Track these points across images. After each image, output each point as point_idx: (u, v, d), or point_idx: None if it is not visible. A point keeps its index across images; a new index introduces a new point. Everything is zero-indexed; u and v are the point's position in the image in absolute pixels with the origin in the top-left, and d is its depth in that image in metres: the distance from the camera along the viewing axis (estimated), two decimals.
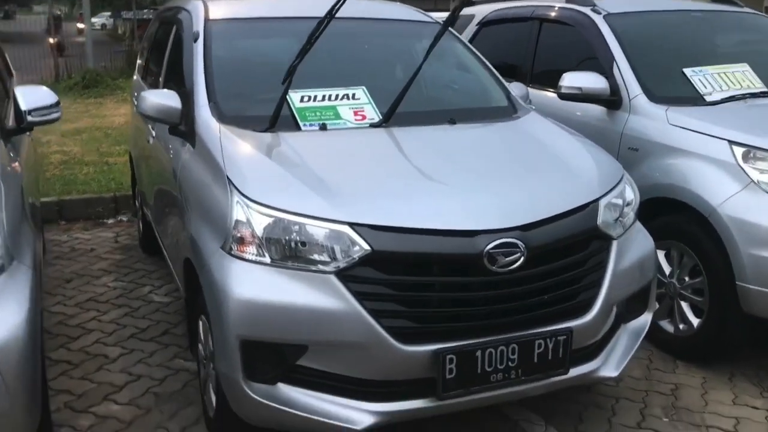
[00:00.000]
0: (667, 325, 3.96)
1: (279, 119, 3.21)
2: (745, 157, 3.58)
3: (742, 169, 3.55)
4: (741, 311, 3.57)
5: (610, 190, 3.01)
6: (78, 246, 5.66)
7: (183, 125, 3.37)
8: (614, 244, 2.94)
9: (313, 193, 2.68)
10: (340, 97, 3.42)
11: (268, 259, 2.57)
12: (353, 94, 3.44)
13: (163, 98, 3.41)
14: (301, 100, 3.35)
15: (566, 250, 2.80)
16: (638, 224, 3.22)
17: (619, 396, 3.51)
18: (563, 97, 4.39)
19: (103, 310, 4.42)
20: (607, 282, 2.86)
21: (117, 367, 3.72)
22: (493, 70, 4.06)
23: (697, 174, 3.72)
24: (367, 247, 2.53)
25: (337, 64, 3.77)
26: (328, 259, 2.54)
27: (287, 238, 2.56)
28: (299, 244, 2.56)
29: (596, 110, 4.45)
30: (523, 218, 2.69)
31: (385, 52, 4.05)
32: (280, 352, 2.57)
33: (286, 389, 2.61)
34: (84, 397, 3.43)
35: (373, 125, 3.33)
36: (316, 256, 2.54)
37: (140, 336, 4.07)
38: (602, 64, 4.48)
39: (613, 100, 4.33)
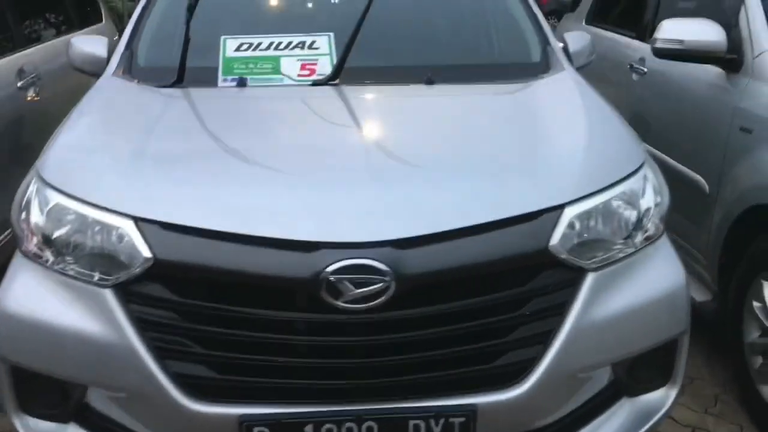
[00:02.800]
0: (766, 392, 2.68)
1: (198, 71, 2.51)
2: None
3: None
4: None
5: (590, 195, 1.91)
6: None
7: None
8: (588, 278, 1.86)
9: (113, 173, 1.94)
10: (292, 45, 2.62)
11: (49, 261, 1.89)
12: (312, 43, 2.62)
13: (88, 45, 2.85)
14: (237, 49, 2.60)
15: (482, 284, 1.79)
16: (663, 245, 2.07)
17: None
18: (659, 53, 3.15)
19: None
20: (562, 337, 1.81)
21: None
22: (536, 12, 2.95)
23: None
24: (148, 254, 1.75)
25: (319, 5, 2.94)
26: (105, 268, 1.80)
27: (64, 231, 1.86)
28: (76, 242, 1.84)
29: (709, 74, 3.14)
30: (402, 230, 1.73)
31: None
32: (61, 384, 1.90)
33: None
34: None
35: (316, 83, 2.50)
36: (92, 261, 1.81)
37: None
38: (725, 9, 3.14)
39: (731, 60, 3.00)
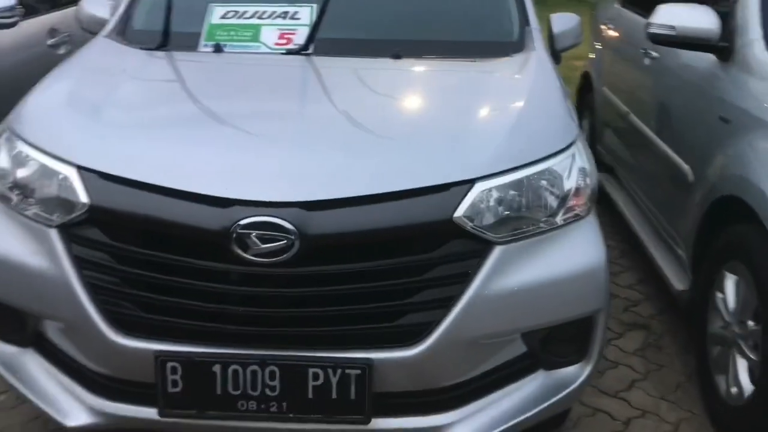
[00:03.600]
0: (721, 383, 2.69)
1: (184, 36, 2.69)
2: None
3: None
4: None
5: (506, 171, 1.98)
6: None
7: None
8: (495, 251, 1.94)
9: (68, 125, 2.13)
10: (276, 14, 2.75)
11: (13, 201, 2.10)
12: (295, 13, 2.74)
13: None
14: (223, 16, 2.76)
15: (385, 248, 1.90)
16: (587, 224, 2.12)
17: None
18: (653, 39, 3.13)
19: None
20: (462, 304, 1.90)
21: None
22: None
23: None
24: (86, 199, 1.93)
25: None
26: (52, 209, 2.00)
27: (24, 175, 2.07)
28: (33, 186, 2.05)
29: (705, 62, 3.11)
30: (309, 193, 1.86)
31: None
32: (18, 314, 2.12)
33: (31, 357, 2.16)
34: None
35: (290, 52, 2.63)
36: (44, 204, 2.02)
37: None
38: None
39: (723, 48, 2.96)
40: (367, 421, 1.94)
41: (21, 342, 2.16)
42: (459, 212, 1.90)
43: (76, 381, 2.07)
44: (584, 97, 5.25)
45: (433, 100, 2.38)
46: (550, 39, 2.94)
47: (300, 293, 1.87)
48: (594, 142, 4.80)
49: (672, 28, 3.01)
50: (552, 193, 2.04)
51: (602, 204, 4.68)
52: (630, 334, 3.36)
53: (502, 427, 2.03)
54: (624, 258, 4.12)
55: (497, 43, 2.74)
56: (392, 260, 1.89)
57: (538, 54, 2.65)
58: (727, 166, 2.72)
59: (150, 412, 1.97)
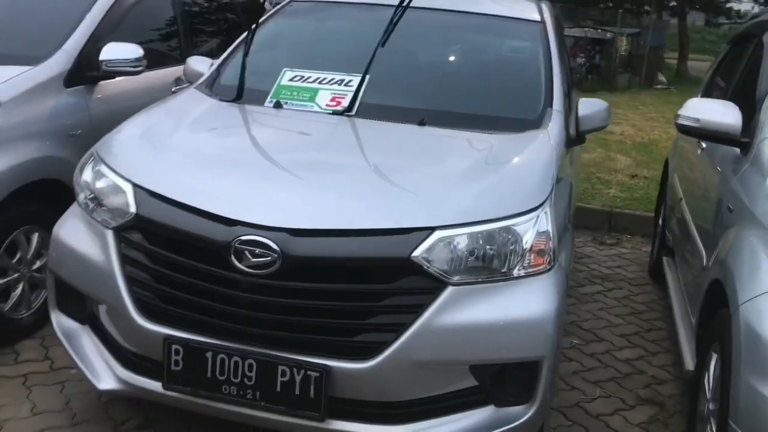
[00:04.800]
0: None
1: (257, 93, 3.24)
2: None
3: None
4: None
5: (466, 224, 2.33)
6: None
7: None
8: (447, 290, 2.28)
9: (136, 152, 2.71)
10: (333, 81, 3.27)
11: (89, 207, 2.69)
12: (349, 81, 3.24)
13: None
14: (291, 79, 3.31)
15: (353, 275, 2.29)
16: (545, 280, 2.41)
17: None
18: (680, 129, 3.36)
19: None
20: (411, 331, 2.25)
21: None
22: (556, 77, 3.31)
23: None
24: (133, 209, 2.48)
25: (380, 53, 3.54)
26: (112, 216, 2.56)
27: (98, 188, 2.65)
28: (103, 196, 2.62)
29: (732, 155, 3.29)
30: (294, 222, 2.30)
31: (447, 48, 3.63)
32: (81, 297, 2.68)
33: (85, 332, 2.71)
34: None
35: (336, 112, 3.12)
36: (109, 211, 2.58)
37: None
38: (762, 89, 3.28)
39: (745, 143, 3.15)
40: (323, 419, 2.31)
41: (81, 319, 2.72)
42: (417, 252, 2.27)
43: (112, 354, 2.59)
44: (663, 183, 5.38)
45: (430, 160, 2.77)
46: (576, 121, 3.25)
47: (277, 302, 2.30)
48: (664, 226, 4.94)
49: (697, 120, 3.23)
50: (509, 249, 2.36)
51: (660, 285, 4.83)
52: (641, 408, 3.49)
53: None
54: (668, 340, 4.23)
55: (516, 120, 3.09)
56: (356, 285, 2.29)
57: (547, 132, 2.98)
58: (720, 252, 2.88)
59: (157, 386, 2.44)
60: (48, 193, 3.49)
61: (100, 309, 2.64)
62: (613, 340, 4.25)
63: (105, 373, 2.58)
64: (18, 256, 3.44)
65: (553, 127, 3.03)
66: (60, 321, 2.75)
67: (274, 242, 2.26)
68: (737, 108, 3.18)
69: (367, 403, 2.34)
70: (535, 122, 3.07)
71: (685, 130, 3.31)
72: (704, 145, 3.88)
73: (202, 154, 2.75)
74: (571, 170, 3.64)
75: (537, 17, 3.65)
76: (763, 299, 2.35)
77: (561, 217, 2.78)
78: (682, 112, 3.31)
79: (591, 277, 5.29)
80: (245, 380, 2.33)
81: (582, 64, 17.97)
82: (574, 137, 3.26)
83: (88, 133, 3.64)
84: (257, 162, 2.68)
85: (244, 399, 2.35)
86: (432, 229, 2.30)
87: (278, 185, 2.50)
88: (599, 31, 18.91)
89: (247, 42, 3.32)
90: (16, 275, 3.45)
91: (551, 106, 3.16)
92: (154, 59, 4.29)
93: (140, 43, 4.03)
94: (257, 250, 2.27)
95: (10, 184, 3.32)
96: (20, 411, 2.98)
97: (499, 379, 2.38)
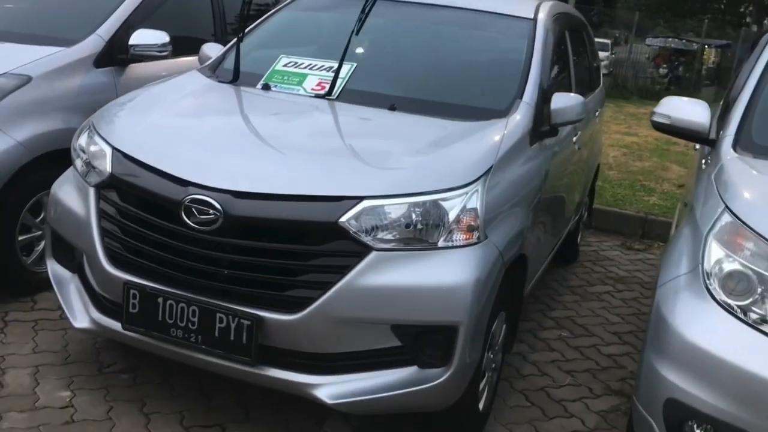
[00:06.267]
0: None
1: (253, 76, 3.53)
2: None
3: None
4: None
5: (394, 195, 2.53)
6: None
7: None
8: (371, 254, 2.49)
9: (121, 120, 3.03)
10: (322, 68, 3.51)
11: (80, 168, 3.02)
12: (338, 68, 3.48)
13: None
14: (285, 65, 3.58)
15: (286, 235, 2.53)
16: (468, 252, 2.58)
17: None
18: (654, 126, 3.42)
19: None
20: (335, 289, 2.47)
21: None
22: (534, 70, 3.44)
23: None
24: (109, 169, 2.80)
25: (373, 43, 3.77)
26: (96, 176, 2.88)
27: (89, 151, 2.98)
28: (91, 158, 2.96)
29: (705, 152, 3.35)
30: (239, 185, 2.56)
31: (433, 41, 3.81)
32: (71, 248, 3.03)
33: (73, 279, 3.05)
34: None
35: (318, 96, 3.37)
36: (96, 173, 2.91)
37: None
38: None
39: (713, 141, 3.21)
40: (253, 364, 2.55)
41: (71, 268, 3.07)
42: (344, 218, 2.48)
43: (90, 298, 2.91)
44: None
45: (382, 139, 2.97)
46: (548, 114, 3.37)
47: (218, 256, 2.56)
48: None
49: (668, 117, 3.30)
50: (435, 221, 2.54)
51: None
52: (606, 398, 3.57)
53: (360, 398, 2.53)
54: None
55: (483, 110, 3.24)
56: (288, 245, 2.52)
57: (507, 121, 3.12)
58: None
59: (118, 326, 2.75)
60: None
61: (84, 259, 2.98)
62: (604, 336, 4.32)
63: (81, 314, 2.91)
64: (42, 215, 3.84)
65: (516, 117, 3.17)
66: (54, 268, 3.11)
67: (217, 202, 2.53)
68: (707, 106, 3.23)
69: (296, 353, 2.57)
70: (501, 112, 3.21)
71: (658, 127, 3.37)
72: (697, 146, 3.92)
73: (176, 125, 3.05)
74: (560, 159, 3.74)
75: (529, 15, 3.78)
76: (673, 282, 2.44)
77: (514, 199, 2.94)
78: (656, 109, 3.37)
79: (604, 278, 5.34)
80: (189, 325, 2.60)
81: (664, 75, 17.58)
82: (547, 129, 3.38)
83: None
84: (221, 133, 2.96)
85: (188, 342, 2.62)
86: (360, 198, 2.51)
87: (230, 153, 2.77)
88: (684, 41, 18.44)
89: (242, 29, 3.61)
90: (38, 233, 3.85)
91: (521, 98, 3.30)
92: (185, 46, 4.64)
93: (173, 31, 4.39)
94: (203, 209, 2.54)
95: (35, 150, 3.72)
96: (23, 349, 3.36)
97: (418, 341, 2.56)
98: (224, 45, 4.08)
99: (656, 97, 16.88)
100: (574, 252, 5.50)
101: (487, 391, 3.02)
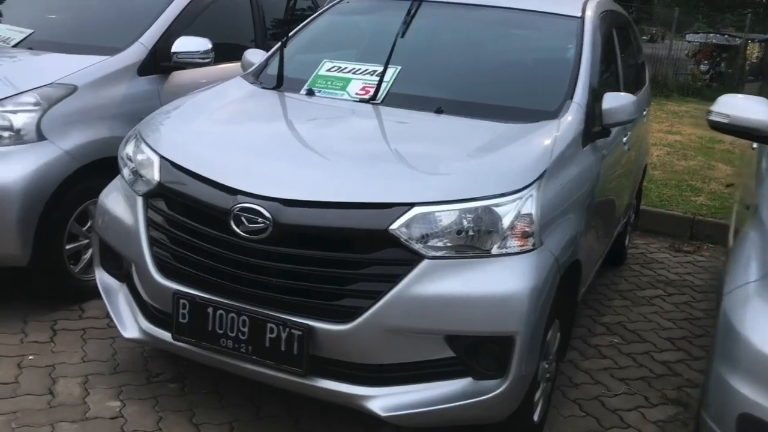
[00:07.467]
0: None
1: (297, 82, 3.49)
2: None
3: None
4: None
5: (446, 202, 2.46)
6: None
7: None
8: (423, 263, 2.43)
9: (168, 129, 3.01)
10: (366, 72, 3.46)
11: (127, 176, 3.01)
12: (382, 72, 3.42)
13: None
14: (329, 70, 3.53)
15: (336, 243, 2.48)
16: (524, 260, 2.50)
17: None
18: (712, 126, 3.30)
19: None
20: (386, 298, 2.41)
21: None
22: (583, 71, 3.34)
23: None
24: (158, 178, 2.78)
25: (417, 46, 3.70)
26: (144, 184, 2.87)
27: (136, 159, 2.96)
28: (138, 167, 2.94)
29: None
30: (288, 193, 2.51)
31: (478, 42, 3.73)
32: (119, 257, 3.01)
33: (121, 289, 3.04)
34: None
35: (362, 101, 3.32)
36: (142, 180, 2.90)
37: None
38: None
39: None
40: (305, 375, 2.51)
41: (119, 277, 3.06)
42: (394, 226, 2.42)
43: (139, 308, 2.90)
44: None
45: (431, 143, 2.90)
46: (600, 114, 3.27)
47: (268, 265, 2.52)
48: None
49: (727, 116, 3.18)
50: (488, 228, 2.47)
51: None
52: (663, 407, 3.46)
53: (414, 411, 2.47)
54: None
55: (533, 111, 3.16)
56: (339, 253, 2.47)
57: (559, 122, 3.03)
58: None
59: (168, 336, 2.72)
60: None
61: (133, 268, 2.96)
62: (657, 342, 4.20)
63: (130, 324, 2.89)
64: (89, 224, 3.85)
65: (568, 118, 3.08)
66: (102, 277, 3.10)
67: (267, 210, 2.48)
68: None
69: (347, 364, 2.51)
70: (552, 114, 3.12)
71: (716, 126, 3.25)
72: (755, 144, 3.78)
73: (223, 132, 3.02)
74: (611, 160, 3.64)
75: (577, 13, 3.68)
76: (742, 290, 2.33)
77: (568, 203, 2.85)
78: (713, 108, 3.25)
79: (654, 282, 5.20)
80: (239, 335, 2.56)
81: (705, 71, 17.23)
82: (599, 130, 3.28)
83: None
84: (267, 140, 2.92)
85: (239, 352, 2.58)
86: (411, 205, 2.44)
87: (277, 160, 2.73)
88: (726, 37, 18.05)
89: (285, 34, 3.57)
90: (85, 241, 3.86)
91: (572, 98, 3.21)
92: (227, 53, 4.63)
93: (214, 38, 4.38)
94: (253, 217, 2.50)
95: (82, 159, 3.73)
96: (72, 358, 3.36)
97: (473, 352, 2.49)
98: (264, 50, 4.06)
99: (697, 94, 16.62)
100: (623, 255, 5.37)
101: (542, 401, 2.93)
